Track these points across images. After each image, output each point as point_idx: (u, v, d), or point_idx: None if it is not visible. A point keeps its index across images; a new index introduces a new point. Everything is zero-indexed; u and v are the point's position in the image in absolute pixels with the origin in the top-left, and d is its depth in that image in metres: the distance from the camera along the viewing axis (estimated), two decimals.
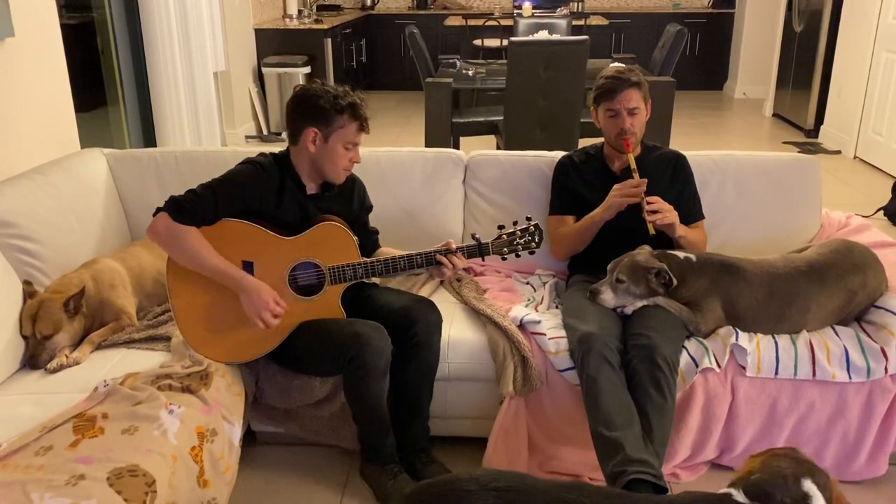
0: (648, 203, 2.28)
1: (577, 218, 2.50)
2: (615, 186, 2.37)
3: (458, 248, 2.18)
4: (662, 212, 2.29)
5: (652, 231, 2.29)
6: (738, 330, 2.22)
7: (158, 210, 2.04)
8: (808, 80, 6.61)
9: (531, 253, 2.23)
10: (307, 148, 2.13)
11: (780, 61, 7.33)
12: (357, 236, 2.19)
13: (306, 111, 2.12)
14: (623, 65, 2.53)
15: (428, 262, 2.17)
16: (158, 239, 2.04)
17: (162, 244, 2.05)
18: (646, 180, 2.32)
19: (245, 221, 2.11)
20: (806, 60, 6.67)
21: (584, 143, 2.46)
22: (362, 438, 2.18)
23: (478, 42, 6.79)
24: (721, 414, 2.17)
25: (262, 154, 2.21)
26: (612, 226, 2.39)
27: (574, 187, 2.52)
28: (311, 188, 2.22)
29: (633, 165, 2.37)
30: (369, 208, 2.42)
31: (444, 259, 2.15)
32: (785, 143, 6.43)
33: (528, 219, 2.23)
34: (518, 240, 2.21)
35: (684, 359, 2.14)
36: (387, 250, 2.33)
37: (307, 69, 6.57)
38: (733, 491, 1.37)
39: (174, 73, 4.54)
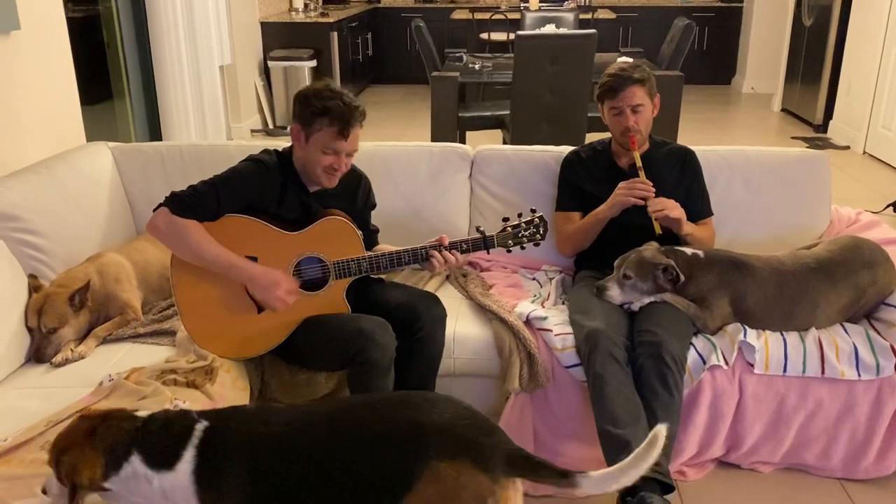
0: (653, 204, 2.26)
1: (584, 214, 2.48)
2: (621, 184, 2.35)
3: (461, 241, 2.16)
4: (668, 208, 2.27)
5: (658, 231, 2.27)
6: (747, 327, 2.20)
7: (159, 206, 2.02)
8: (817, 74, 6.56)
9: (536, 245, 2.22)
10: (296, 145, 2.12)
11: (788, 56, 7.28)
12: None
13: (295, 106, 2.11)
14: (629, 60, 2.51)
15: (431, 257, 2.15)
16: (159, 234, 2.02)
17: (162, 239, 2.03)
18: (653, 188, 2.29)
19: (248, 217, 2.09)
20: (815, 55, 6.62)
21: (591, 137, 2.45)
22: None
23: (484, 36, 6.76)
24: (728, 411, 2.15)
25: (265, 151, 2.19)
26: (619, 222, 2.37)
27: (580, 183, 2.51)
28: (313, 186, 2.19)
29: (640, 163, 2.35)
30: (373, 206, 2.40)
31: (436, 254, 2.13)
32: (793, 138, 6.39)
33: (533, 211, 2.22)
34: (523, 232, 2.19)
35: (692, 356, 2.13)
36: (384, 247, 2.30)
37: (313, 63, 6.56)
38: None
39: (180, 67, 4.53)
